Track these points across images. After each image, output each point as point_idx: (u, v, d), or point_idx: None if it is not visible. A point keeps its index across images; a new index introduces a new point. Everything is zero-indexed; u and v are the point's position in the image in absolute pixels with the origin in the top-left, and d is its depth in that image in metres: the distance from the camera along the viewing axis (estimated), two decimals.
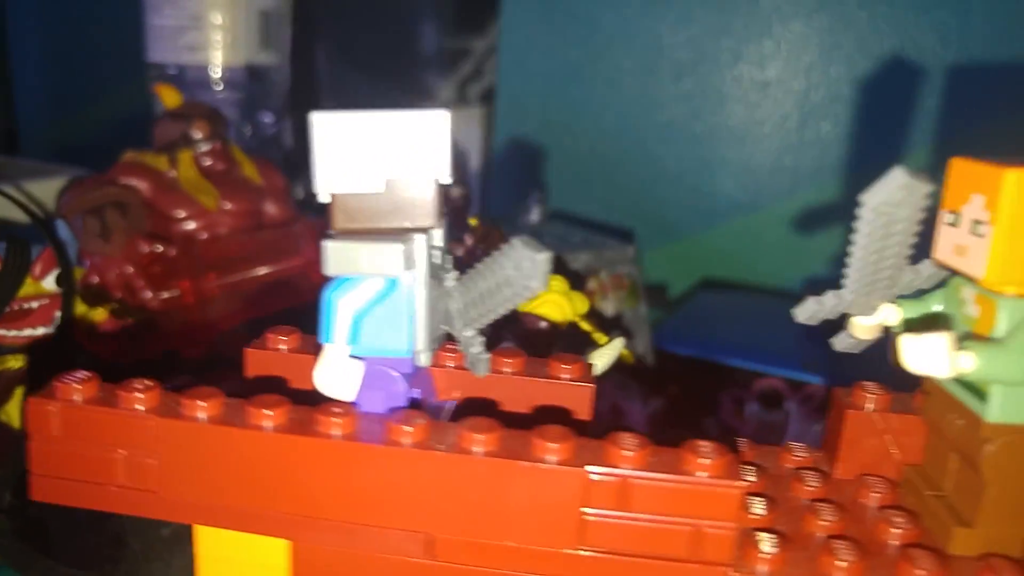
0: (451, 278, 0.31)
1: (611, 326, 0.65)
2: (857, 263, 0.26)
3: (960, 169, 0.26)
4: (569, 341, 0.50)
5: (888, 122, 0.86)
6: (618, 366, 0.62)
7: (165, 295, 0.58)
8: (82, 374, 0.29)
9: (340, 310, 0.27)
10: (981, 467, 0.26)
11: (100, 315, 0.52)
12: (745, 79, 0.91)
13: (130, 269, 0.57)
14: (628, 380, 0.68)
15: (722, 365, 0.71)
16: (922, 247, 0.29)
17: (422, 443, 0.27)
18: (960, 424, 0.28)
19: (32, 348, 0.50)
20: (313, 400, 0.28)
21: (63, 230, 0.52)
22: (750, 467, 0.32)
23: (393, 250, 0.26)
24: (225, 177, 0.63)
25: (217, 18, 0.82)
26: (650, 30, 0.92)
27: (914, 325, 0.28)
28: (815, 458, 0.33)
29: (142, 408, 0.28)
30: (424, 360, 0.29)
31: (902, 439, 0.32)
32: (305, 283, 0.63)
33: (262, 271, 0.63)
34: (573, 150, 0.97)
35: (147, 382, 0.29)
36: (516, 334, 0.49)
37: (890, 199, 0.24)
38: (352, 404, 0.28)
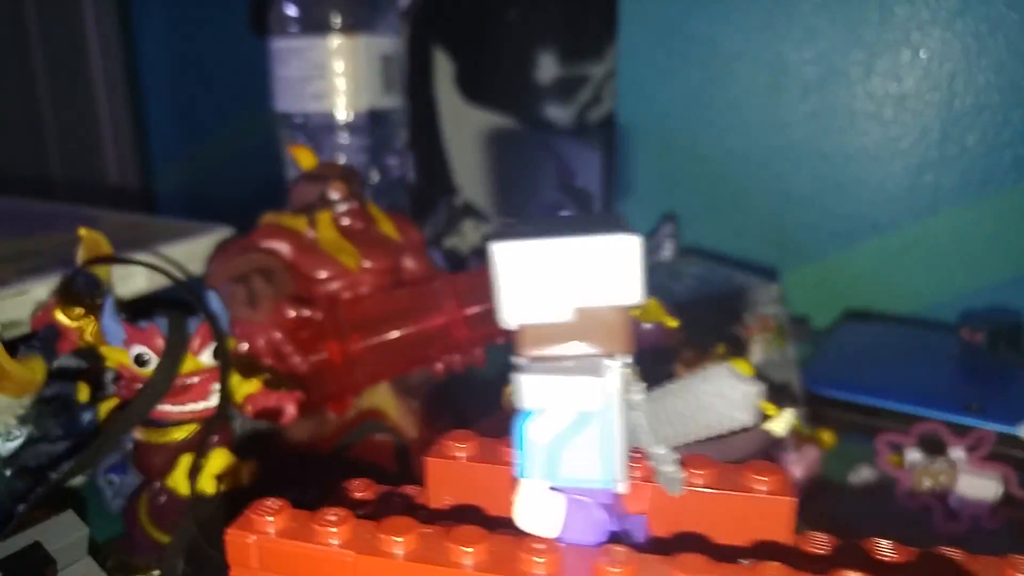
0: (637, 391, 0.29)
1: (779, 395, 0.62)
2: None
3: None
4: None
5: None
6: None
7: (313, 359, 0.58)
8: (273, 503, 0.29)
9: (536, 442, 0.26)
10: None
11: (253, 386, 0.53)
12: (879, 93, 0.87)
13: (278, 335, 0.57)
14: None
15: (873, 407, 0.68)
16: None
17: None
18: None
19: (198, 422, 0.51)
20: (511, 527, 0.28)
21: (215, 302, 0.53)
22: None
23: (592, 385, 0.25)
24: (364, 236, 0.63)
25: (340, 67, 0.83)
26: (773, 47, 0.89)
27: None
28: None
29: (336, 543, 0.28)
30: (623, 488, 0.28)
31: None
32: (447, 340, 0.63)
33: (404, 330, 0.63)
34: (698, 176, 0.95)
35: (340, 511, 0.28)
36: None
37: None
38: (555, 539, 0.27)
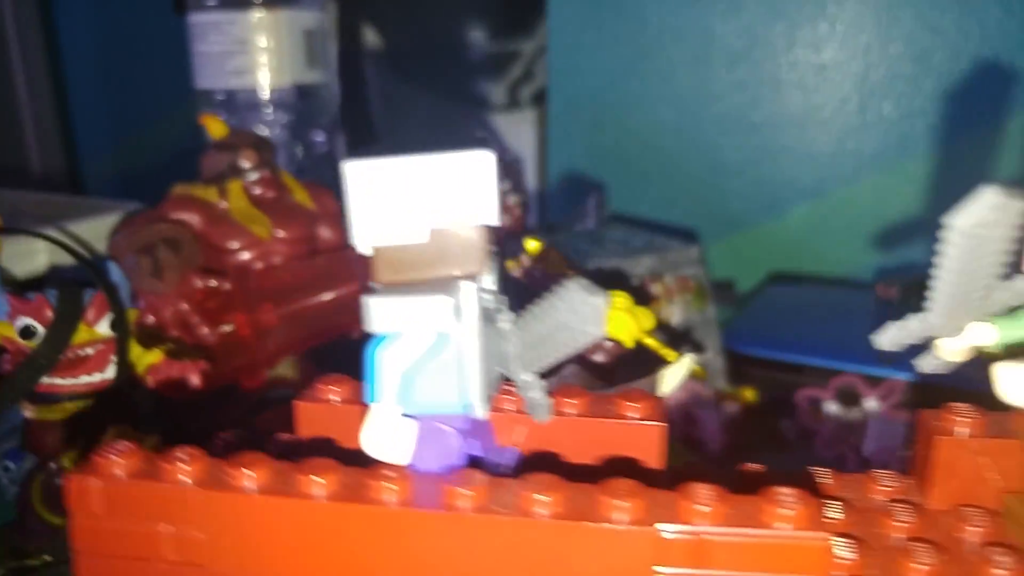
0: (506, 320, 0.29)
1: (680, 340, 0.62)
2: (945, 287, 0.24)
3: None
4: (636, 360, 0.48)
5: (952, 99, 0.83)
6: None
7: (222, 330, 0.57)
8: (122, 446, 0.28)
9: (386, 367, 0.26)
10: None
11: (155, 357, 0.52)
12: (801, 63, 0.88)
13: (185, 306, 0.56)
14: (700, 386, 0.66)
15: (796, 364, 0.68)
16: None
17: (482, 507, 0.25)
18: None
19: (94, 395, 0.50)
20: (368, 460, 0.27)
21: (115, 272, 0.51)
22: (834, 502, 0.30)
23: (440, 303, 0.25)
24: (276, 205, 0.62)
25: (262, 41, 0.82)
26: (700, 21, 0.90)
27: (1013, 348, 0.26)
28: (905, 487, 0.31)
29: (187, 480, 0.27)
30: (481, 412, 0.27)
31: (1001, 464, 0.29)
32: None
33: (319, 298, 0.62)
34: (629, 148, 0.95)
35: (192, 451, 0.27)
36: (578, 358, 0.48)
37: (982, 221, 0.21)
38: (405, 466, 0.26)
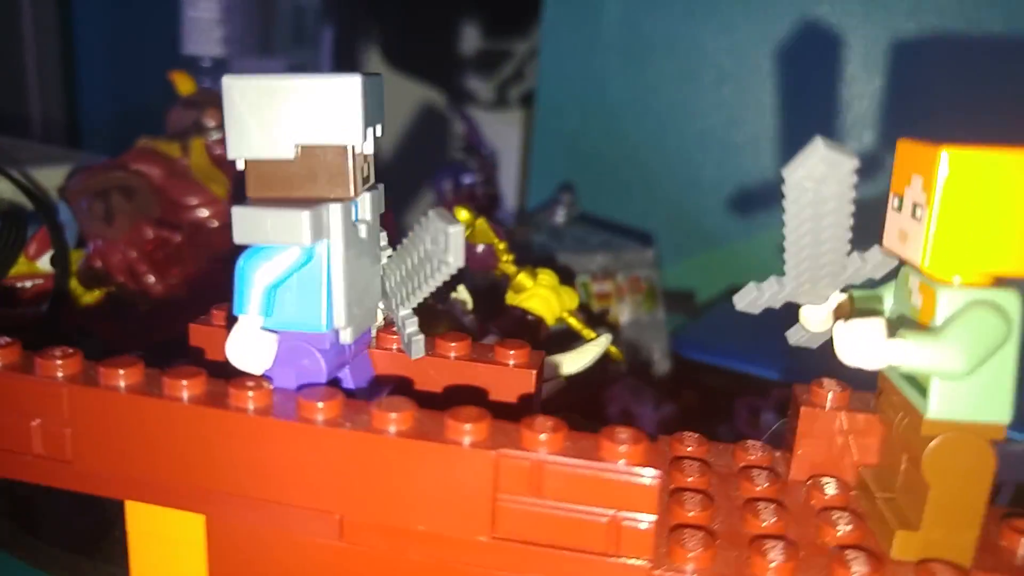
0: (386, 255, 0.30)
1: (600, 323, 0.63)
2: (791, 245, 0.25)
3: (904, 151, 0.25)
4: (557, 337, 0.48)
5: (934, 135, 0.83)
6: (631, 370, 0.61)
7: (168, 281, 0.58)
8: (3, 339, 0.29)
9: (252, 280, 0.27)
10: (921, 466, 0.24)
11: (93, 297, 0.53)
12: (787, 88, 0.88)
13: (133, 254, 0.57)
14: (641, 385, 0.66)
15: (739, 372, 0.69)
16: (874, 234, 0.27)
17: (332, 421, 0.26)
18: (906, 422, 0.26)
19: (24, 327, 0.51)
20: (237, 375, 0.28)
21: (64, 212, 0.52)
22: (695, 462, 0.30)
23: (300, 217, 0.26)
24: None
25: (251, 10, 0.83)
26: (692, 36, 0.91)
27: (861, 316, 0.26)
28: (771, 458, 0.32)
29: (59, 375, 0.28)
30: (346, 337, 0.28)
31: (860, 439, 0.30)
32: None
33: None
34: (611, 154, 0.96)
35: (68, 349, 0.28)
36: (503, 329, 0.48)
37: (811, 173, 0.22)
38: (266, 378, 0.27)
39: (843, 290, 0.28)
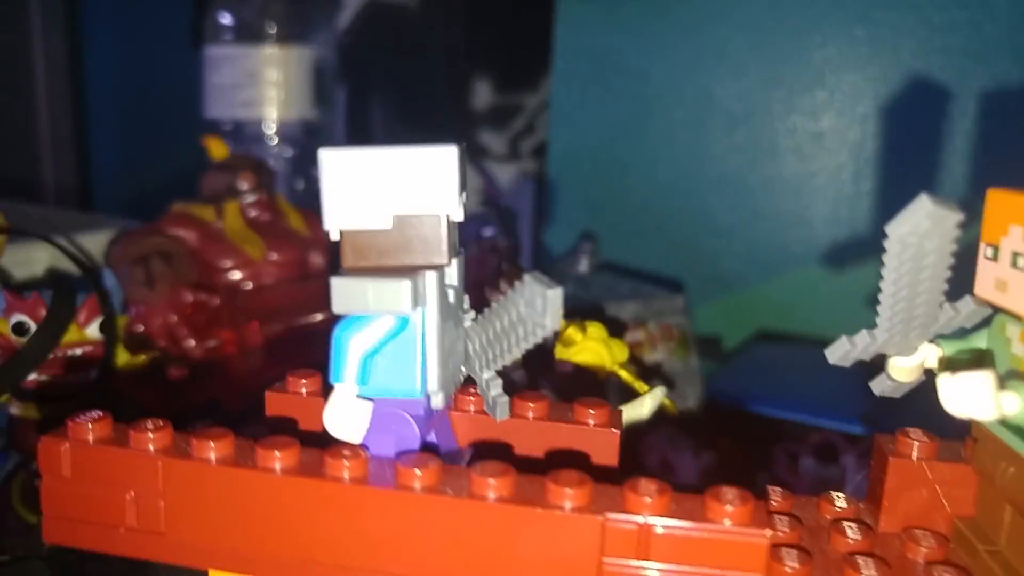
0: (469, 318, 0.30)
1: (653, 375, 0.63)
2: (887, 299, 0.25)
3: (997, 200, 0.25)
4: (609, 390, 0.48)
5: (948, 171, 0.84)
6: (667, 418, 0.61)
7: (208, 344, 0.58)
8: (95, 413, 0.29)
9: (349, 349, 0.27)
10: None
11: (138, 362, 0.53)
12: (798, 130, 0.89)
13: (174, 318, 0.57)
14: (678, 433, 0.66)
15: (776, 418, 0.68)
16: (965, 283, 0.27)
17: (432, 488, 0.26)
18: (1012, 472, 0.26)
19: (75, 395, 0.50)
20: (327, 444, 0.28)
21: (109, 279, 0.53)
22: (784, 517, 0.30)
23: (400, 287, 0.26)
24: (271, 228, 0.64)
25: (271, 75, 0.84)
26: (701, 83, 0.92)
27: (957, 366, 0.27)
28: (858, 510, 0.31)
29: (151, 448, 0.28)
30: (438, 402, 0.28)
31: (952, 490, 0.30)
32: None
33: (308, 321, 0.63)
34: (625, 204, 0.96)
35: (159, 422, 0.28)
36: (554, 383, 0.48)
37: (916, 228, 0.22)
38: (362, 447, 0.27)
39: (931, 340, 0.28)
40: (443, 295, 0.28)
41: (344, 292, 0.26)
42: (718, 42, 0.91)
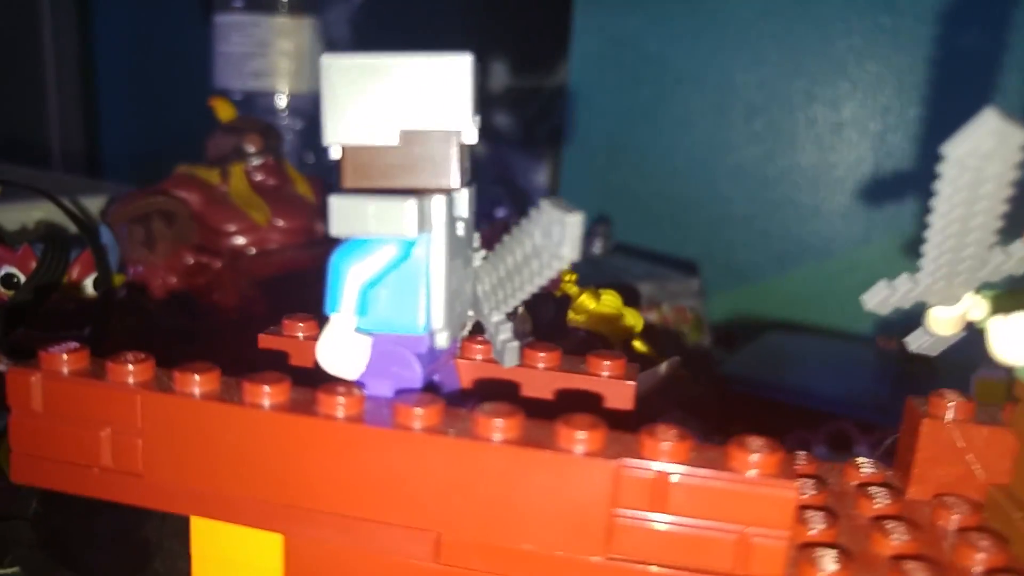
0: (478, 257, 0.28)
1: (668, 346, 0.61)
2: (936, 235, 0.23)
3: None
4: None
5: None
6: (679, 402, 0.59)
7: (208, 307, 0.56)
8: (71, 344, 0.27)
9: (348, 277, 0.25)
10: None
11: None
12: (819, 120, 0.87)
13: (173, 279, 0.55)
14: (689, 418, 0.64)
15: (788, 405, 0.66)
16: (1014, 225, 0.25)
17: (433, 428, 0.24)
18: None
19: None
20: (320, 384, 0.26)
21: (106, 236, 0.51)
22: (810, 479, 0.28)
23: (405, 207, 0.24)
24: (277, 193, 0.62)
25: (283, 46, 0.82)
26: (721, 70, 0.90)
27: (1008, 310, 0.24)
28: (886, 476, 0.29)
29: (130, 381, 0.26)
30: (442, 341, 0.26)
31: (988, 455, 0.28)
32: None
33: (307, 288, 0.61)
34: (641, 190, 0.94)
35: (140, 354, 0.26)
36: (565, 350, 0.46)
37: (978, 149, 0.20)
38: (358, 384, 0.25)
39: (976, 291, 0.26)
40: (451, 224, 0.26)
41: (343, 212, 0.24)
42: (740, 28, 0.89)
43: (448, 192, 0.25)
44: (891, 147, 0.84)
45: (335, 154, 0.25)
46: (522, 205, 0.86)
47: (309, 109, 0.85)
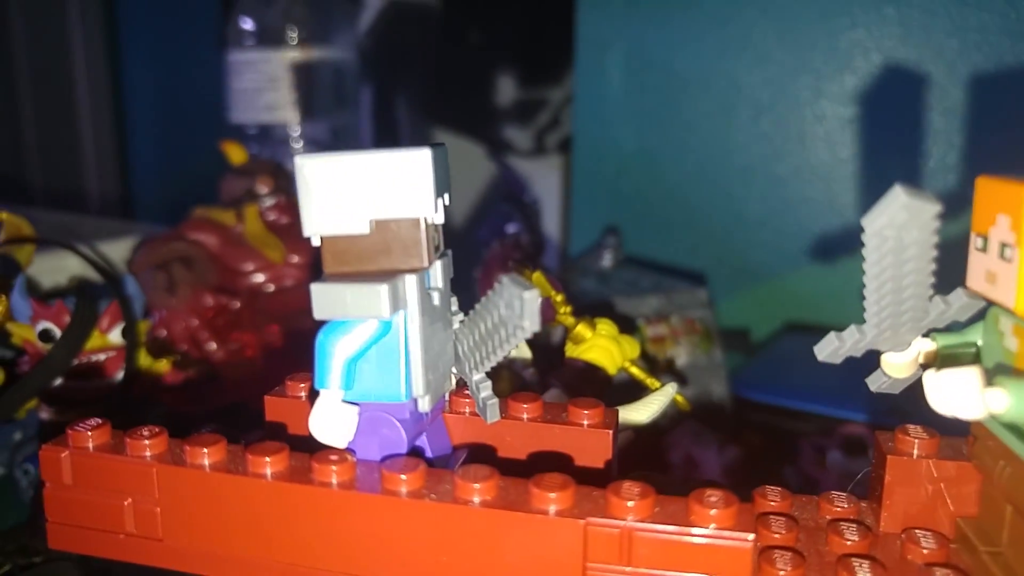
0: (458, 320, 0.30)
1: (664, 371, 0.62)
2: (872, 293, 0.24)
3: (986, 189, 0.24)
4: (619, 388, 0.48)
5: (985, 155, 0.82)
6: (690, 414, 0.60)
7: (229, 347, 0.59)
8: (94, 421, 0.29)
9: (332, 354, 0.27)
10: None
11: (163, 367, 0.54)
12: (828, 116, 0.88)
13: (195, 322, 0.58)
14: (703, 428, 0.65)
15: (801, 411, 0.67)
16: (957, 275, 0.27)
17: (417, 492, 0.26)
18: (1009, 471, 0.25)
19: (99, 400, 0.51)
20: (319, 448, 0.28)
21: (131, 285, 0.53)
22: (781, 518, 0.29)
23: (379, 291, 0.26)
24: (291, 231, 0.64)
25: (294, 78, 0.85)
26: (726, 72, 0.90)
27: (949, 361, 0.26)
28: (858, 509, 0.31)
29: (147, 455, 0.28)
30: (424, 405, 0.28)
31: (954, 488, 0.29)
32: None
33: None
34: (652, 196, 0.95)
35: (155, 428, 0.29)
36: (564, 381, 0.48)
37: (892, 221, 0.22)
38: (349, 451, 0.27)
39: (926, 335, 0.27)
40: (425, 298, 0.28)
41: (323, 298, 0.26)
42: (743, 29, 0.89)
43: (420, 270, 0.27)
44: (903, 140, 0.84)
45: (315, 243, 0.27)
46: (533, 220, 0.88)
47: (323, 139, 0.88)
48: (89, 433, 0.29)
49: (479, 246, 0.87)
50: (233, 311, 0.59)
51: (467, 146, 1.06)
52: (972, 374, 0.22)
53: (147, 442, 0.28)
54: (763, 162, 0.90)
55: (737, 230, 0.92)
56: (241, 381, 0.59)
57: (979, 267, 0.25)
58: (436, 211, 0.27)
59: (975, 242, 0.25)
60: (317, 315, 0.27)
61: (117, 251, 0.70)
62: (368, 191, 0.27)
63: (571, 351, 0.47)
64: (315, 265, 0.64)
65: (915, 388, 0.30)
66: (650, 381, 0.46)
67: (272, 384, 0.62)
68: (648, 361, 0.60)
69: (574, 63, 0.96)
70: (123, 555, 0.29)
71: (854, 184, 0.87)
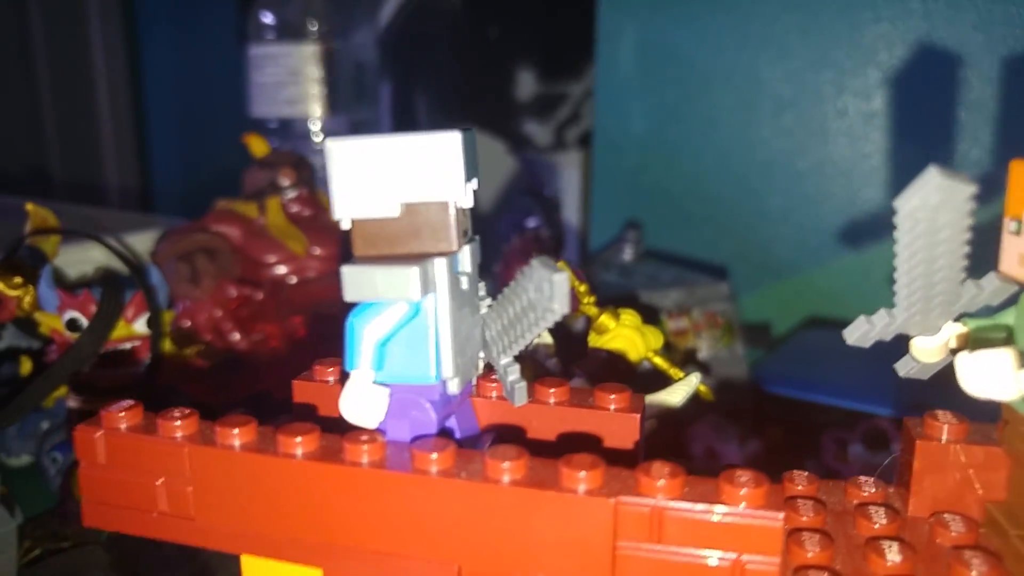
0: (485, 305, 0.30)
1: (688, 362, 0.62)
2: (903, 276, 0.24)
3: (1020, 172, 0.24)
4: (644, 377, 0.48)
5: (1010, 149, 0.81)
6: (710, 406, 0.60)
7: (253, 338, 0.59)
8: (127, 403, 0.29)
9: (363, 336, 0.27)
10: None
11: (186, 356, 0.54)
12: (850, 111, 0.87)
13: (219, 312, 0.58)
14: (724, 422, 0.65)
15: (824, 405, 0.67)
16: (989, 261, 0.27)
17: (447, 471, 0.26)
18: None
19: (125, 388, 0.52)
20: (348, 430, 0.28)
21: (155, 276, 0.54)
22: (809, 501, 0.30)
23: (409, 273, 0.26)
24: (313, 223, 0.64)
25: (314, 72, 0.85)
26: (747, 66, 0.90)
27: (980, 345, 0.26)
28: (887, 494, 0.31)
29: (178, 435, 0.28)
30: (453, 388, 0.28)
31: (983, 473, 0.29)
32: None
33: None
34: (673, 191, 0.95)
35: (186, 410, 0.29)
36: (588, 370, 0.48)
37: (925, 202, 0.22)
38: (379, 431, 0.28)
39: (957, 319, 0.27)
40: (454, 281, 0.28)
41: (354, 280, 0.27)
42: (764, 23, 0.89)
43: (449, 254, 0.27)
44: (925, 135, 0.84)
45: (345, 226, 0.28)
46: (553, 215, 0.88)
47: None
48: (122, 415, 0.29)
49: (499, 241, 0.88)
50: (256, 302, 0.60)
51: (487, 141, 1.07)
52: (1007, 355, 0.22)
53: (178, 423, 0.29)
54: (785, 157, 0.89)
55: (758, 225, 0.91)
56: (264, 371, 0.60)
57: (1013, 251, 0.25)
58: (465, 195, 0.27)
59: (1008, 226, 0.25)
60: (347, 297, 0.27)
61: (140, 243, 0.70)
62: (398, 174, 0.27)
63: (594, 341, 0.47)
64: (337, 257, 0.64)
65: (940, 380, 0.30)
66: (673, 371, 0.46)
67: (296, 374, 0.62)
68: (670, 353, 0.60)
69: (594, 57, 0.96)
70: (156, 533, 0.29)
71: (876, 179, 0.86)
